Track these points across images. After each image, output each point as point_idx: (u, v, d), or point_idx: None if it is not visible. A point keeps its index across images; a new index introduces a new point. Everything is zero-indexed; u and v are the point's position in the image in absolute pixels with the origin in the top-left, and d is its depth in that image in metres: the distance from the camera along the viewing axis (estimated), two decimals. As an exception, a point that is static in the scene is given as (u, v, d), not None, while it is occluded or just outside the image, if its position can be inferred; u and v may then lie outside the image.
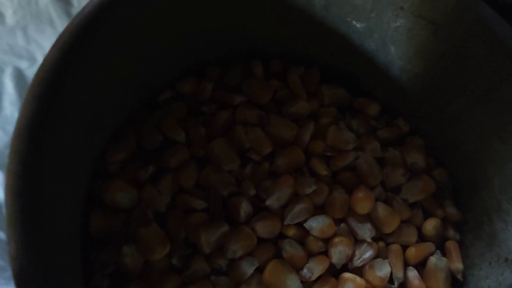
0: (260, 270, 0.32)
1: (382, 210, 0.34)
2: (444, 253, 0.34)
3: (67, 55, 0.24)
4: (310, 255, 0.33)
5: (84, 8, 0.26)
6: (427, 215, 0.36)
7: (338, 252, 0.33)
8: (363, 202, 0.34)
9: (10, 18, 0.46)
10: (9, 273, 0.37)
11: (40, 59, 0.45)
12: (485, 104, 0.31)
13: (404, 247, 0.34)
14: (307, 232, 0.33)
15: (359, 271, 0.33)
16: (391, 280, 0.33)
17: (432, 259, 0.33)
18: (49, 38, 0.46)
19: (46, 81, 0.23)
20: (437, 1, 0.30)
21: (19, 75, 0.44)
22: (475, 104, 0.32)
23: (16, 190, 0.22)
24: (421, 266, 0.34)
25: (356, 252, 0.33)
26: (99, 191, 0.32)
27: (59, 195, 0.27)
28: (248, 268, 0.31)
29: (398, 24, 0.32)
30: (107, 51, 0.29)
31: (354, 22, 0.34)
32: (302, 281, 0.32)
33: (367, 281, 0.32)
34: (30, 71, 0.45)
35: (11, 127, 0.42)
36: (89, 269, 0.31)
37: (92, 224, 0.31)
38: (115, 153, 0.33)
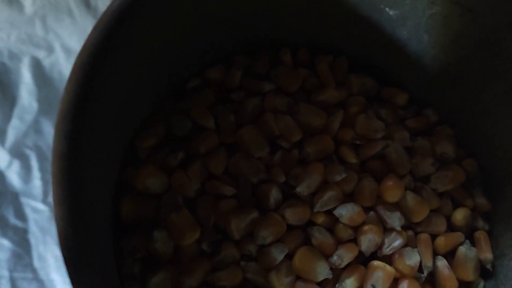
0: (289, 256, 0.32)
1: (411, 199, 0.34)
2: (473, 243, 0.34)
3: (104, 41, 0.24)
4: (339, 242, 0.33)
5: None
6: (456, 205, 0.35)
7: (368, 240, 0.33)
8: (392, 190, 0.34)
9: (29, 8, 0.46)
10: (25, 261, 0.38)
11: (58, 48, 0.45)
12: (520, 94, 0.31)
13: (433, 237, 0.34)
14: (336, 220, 0.33)
15: (388, 260, 0.33)
16: (420, 269, 0.33)
17: (462, 249, 0.33)
18: (67, 28, 0.46)
19: (87, 66, 0.23)
20: (475, -13, 0.29)
21: (36, 64, 0.45)
22: (508, 94, 0.31)
23: (61, 165, 0.22)
24: (450, 255, 0.34)
25: (386, 240, 0.33)
26: (129, 177, 0.32)
27: (96, 180, 0.27)
28: (278, 254, 0.31)
29: (433, 11, 0.32)
30: (139, 39, 0.29)
31: (387, 9, 0.33)
32: (331, 268, 0.32)
33: (396, 269, 0.32)
34: (48, 61, 0.45)
35: (28, 116, 0.43)
36: (120, 255, 0.31)
37: (123, 210, 0.32)
38: (145, 139, 0.34)
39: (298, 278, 0.32)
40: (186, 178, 0.33)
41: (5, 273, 0.38)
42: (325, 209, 0.33)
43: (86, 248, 0.23)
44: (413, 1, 0.32)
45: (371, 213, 0.34)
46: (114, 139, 0.31)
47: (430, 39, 0.34)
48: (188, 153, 0.34)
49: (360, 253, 0.33)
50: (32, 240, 0.39)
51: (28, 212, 0.40)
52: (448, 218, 0.35)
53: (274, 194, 0.33)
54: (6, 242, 0.38)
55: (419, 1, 0.32)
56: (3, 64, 0.44)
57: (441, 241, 0.34)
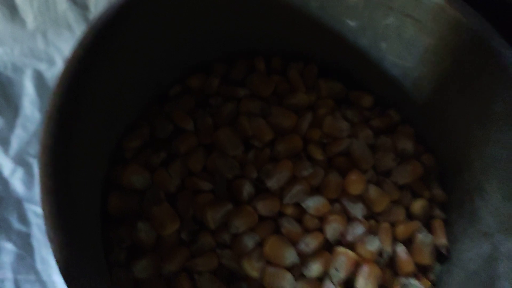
0: (261, 245, 0.35)
1: (373, 191, 0.37)
2: (430, 231, 0.37)
3: (89, 53, 0.28)
4: (307, 231, 0.36)
5: (102, 12, 0.30)
6: (415, 196, 0.39)
7: (332, 228, 0.36)
8: (355, 183, 0.37)
9: (30, 23, 0.48)
10: (29, 263, 0.40)
11: (58, 61, 0.48)
12: (467, 94, 0.34)
13: (394, 225, 0.37)
14: (304, 211, 0.36)
15: (351, 246, 0.36)
16: (381, 254, 0.36)
17: (419, 236, 0.37)
18: (67, 41, 0.48)
19: (73, 74, 0.27)
20: (421, 1, 0.33)
21: (38, 76, 0.47)
22: (458, 94, 0.35)
23: (48, 171, 0.25)
24: (409, 242, 0.37)
25: (349, 228, 0.36)
26: (116, 175, 0.36)
27: (83, 179, 0.30)
28: (249, 242, 0.35)
29: (388, 22, 0.35)
30: (125, 51, 0.33)
31: (348, 20, 0.37)
32: (299, 254, 0.35)
33: (358, 254, 0.35)
34: (49, 73, 0.47)
35: (31, 126, 0.45)
36: (108, 244, 0.34)
37: (110, 204, 0.35)
38: (130, 141, 0.37)
39: (269, 263, 0.35)
40: (167, 175, 0.36)
41: (9, 275, 0.39)
42: (293, 201, 0.36)
43: (73, 235, 0.26)
44: (370, 13, 0.35)
45: (336, 204, 0.37)
46: (102, 140, 0.34)
47: (387, 47, 0.37)
48: (170, 152, 0.38)
49: (327, 241, 0.36)
50: (35, 244, 0.41)
51: (31, 217, 0.41)
52: (408, 208, 0.38)
53: (247, 188, 0.36)
54: (10, 246, 0.40)
55: (375, 13, 0.35)
56: (7, 77, 0.46)
57: (400, 229, 0.37)
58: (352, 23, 0.37)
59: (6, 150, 0.43)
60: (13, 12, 0.48)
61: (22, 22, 0.48)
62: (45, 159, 0.25)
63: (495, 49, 0.30)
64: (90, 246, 0.30)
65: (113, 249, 0.34)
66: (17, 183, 0.43)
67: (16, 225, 0.41)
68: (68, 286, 0.24)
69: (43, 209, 0.24)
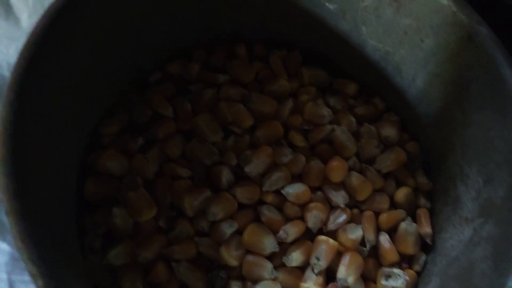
0: (240, 233, 0.35)
1: (355, 179, 0.36)
2: (415, 220, 0.36)
3: (56, 25, 0.28)
4: (288, 220, 0.36)
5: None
6: (399, 185, 0.38)
7: (313, 216, 0.35)
8: (336, 170, 0.36)
9: (25, 21, 0.48)
10: (23, 264, 0.38)
11: None
12: (446, 76, 0.33)
13: (377, 214, 0.37)
14: (284, 199, 0.36)
15: (333, 235, 0.35)
16: (364, 244, 0.35)
17: (403, 225, 0.36)
18: None
19: (35, 47, 0.26)
20: (397, -20, 0.32)
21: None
22: (438, 77, 0.34)
23: (5, 157, 0.25)
24: (393, 232, 0.36)
25: (331, 217, 0.36)
26: (93, 160, 0.35)
27: (51, 164, 0.30)
28: (227, 229, 0.34)
29: (366, 3, 0.35)
30: (97, 31, 0.32)
31: (327, 4, 0.36)
32: (279, 243, 0.34)
33: (340, 243, 0.35)
34: None
35: None
36: (84, 229, 0.34)
37: (86, 189, 0.34)
38: (108, 126, 0.37)
39: (248, 252, 0.34)
40: (145, 161, 0.36)
41: (4, 275, 0.38)
42: (273, 188, 0.36)
43: (37, 221, 0.25)
44: (347, -5, 0.35)
45: (318, 192, 0.36)
46: (75, 125, 0.34)
47: (367, 30, 0.36)
48: (148, 138, 0.37)
49: (308, 230, 0.35)
50: (30, 244, 0.40)
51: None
52: (392, 197, 0.37)
53: (226, 175, 0.36)
54: (5, 246, 0.39)
55: (353, -5, 0.35)
56: (3, 76, 0.45)
57: (384, 218, 0.36)
58: (331, 6, 0.36)
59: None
60: (8, 10, 0.48)
61: (16, 20, 0.48)
62: (4, 145, 0.24)
63: (470, 26, 0.30)
64: (60, 232, 0.30)
65: (87, 235, 0.34)
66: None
67: (11, 225, 0.41)
68: (37, 275, 0.23)
69: (3, 194, 0.24)
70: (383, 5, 0.34)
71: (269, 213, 0.35)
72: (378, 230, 0.36)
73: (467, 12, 0.30)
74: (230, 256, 0.33)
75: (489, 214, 0.29)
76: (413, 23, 0.33)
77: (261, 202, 0.36)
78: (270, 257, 0.34)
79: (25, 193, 0.26)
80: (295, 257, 0.34)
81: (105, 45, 0.34)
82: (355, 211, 0.37)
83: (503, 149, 0.29)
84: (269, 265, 0.34)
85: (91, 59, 0.33)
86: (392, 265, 0.35)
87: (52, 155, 0.30)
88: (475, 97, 0.30)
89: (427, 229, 0.36)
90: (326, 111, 0.38)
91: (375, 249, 0.36)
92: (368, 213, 0.36)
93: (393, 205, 0.37)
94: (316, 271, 0.34)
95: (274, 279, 0.33)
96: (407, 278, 0.34)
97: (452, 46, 0.31)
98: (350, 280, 0.33)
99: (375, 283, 0.35)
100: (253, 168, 0.35)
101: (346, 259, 0.34)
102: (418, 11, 0.32)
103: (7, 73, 0.46)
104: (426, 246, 0.36)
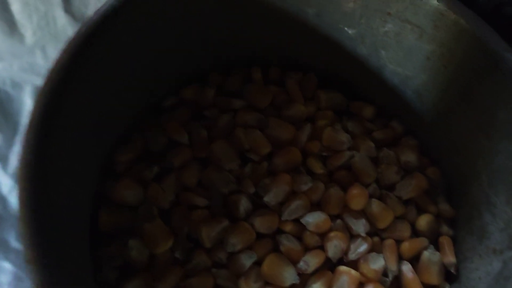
0: (259, 263, 0.34)
1: (376, 206, 0.35)
2: (438, 248, 0.35)
3: (74, 59, 0.27)
4: (307, 249, 0.35)
5: (91, 16, 0.29)
6: (420, 212, 0.37)
7: (334, 246, 0.34)
8: (357, 198, 0.35)
9: (29, 38, 0.48)
10: (26, 284, 0.38)
11: None
12: (470, 102, 0.32)
13: (399, 242, 0.36)
14: (303, 228, 0.35)
15: (354, 265, 0.34)
16: (386, 274, 0.34)
17: (426, 253, 0.35)
18: None
19: (56, 81, 0.26)
20: (419, 6, 0.31)
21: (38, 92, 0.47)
22: (461, 103, 0.33)
23: (26, 185, 0.24)
24: (415, 260, 0.35)
25: (351, 246, 0.35)
26: (108, 189, 0.34)
27: (68, 193, 0.29)
28: (247, 261, 0.33)
29: (386, 29, 0.34)
30: (113, 58, 0.32)
31: (346, 28, 0.36)
32: (299, 274, 0.33)
33: (361, 274, 0.34)
34: None
35: None
36: (98, 262, 0.33)
37: (100, 220, 0.34)
38: (123, 154, 0.36)
39: (267, 283, 0.33)
40: (160, 190, 0.35)
41: None
42: (292, 217, 0.35)
43: (52, 253, 0.25)
44: (367, 20, 0.34)
45: (338, 220, 0.35)
46: (91, 153, 0.33)
47: (387, 55, 0.36)
48: (164, 167, 0.36)
49: (328, 259, 0.34)
50: (33, 264, 0.40)
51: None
52: (413, 225, 0.36)
53: (244, 204, 0.35)
54: (7, 265, 0.39)
55: (373, 21, 0.34)
56: (6, 93, 0.45)
57: (405, 246, 0.35)
58: (350, 31, 0.36)
59: (4, 167, 0.42)
60: (12, 27, 0.48)
61: (21, 37, 0.48)
62: (24, 173, 0.24)
63: (497, 53, 0.29)
64: (74, 265, 0.29)
65: (102, 268, 0.33)
66: (16, 201, 0.41)
67: (14, 244, 0.40)
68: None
69: (20, 227, 0.23)
70: (404, 31, 0.33)
71: (288, 243, 0.34)
72: (400, 259, 0.35)
73: (493, 39, 0.29)
74: (250, 289, 0.33)
75: (521, 248, 0.28)
76: (437, 49, 0.32)
77: (280, 231, 0.35)
78: (290, 288, 0.33)
79: (45, 229, 0.25)
80: (316, 289, 0.33)
81: (121, 75, 0.33)
82: (376, 239, 0.36)
83: (533, 180, 0.28)
84: (289, 297, 0.33)
85: (109, 89, 0.32)
86: (415, 295, 0.34)
87: (68, 189, 0.29)
88: (504, 125, 0.30)
89: (451, 258, 0.35)
90: (345, 137, 0.37)
91: (397, 279, 0.35)
92: (389, 242, 0.35)
93: (415, 233, 0.36)
94: (337, 302, 0.33)
95: (295, 312, 0.32)
96: (432, 309, 0.33)
97: (477, 73, 0.31)
98: (374, 312, 0.32)
99: (399, 314, 0.34)
100: (272, 197, 0.35)
101: (368, 290, 0.33)
102: (442, 38, 0.31)
103: (11, 90, 0.46)
104: (450, 276, 0.35)
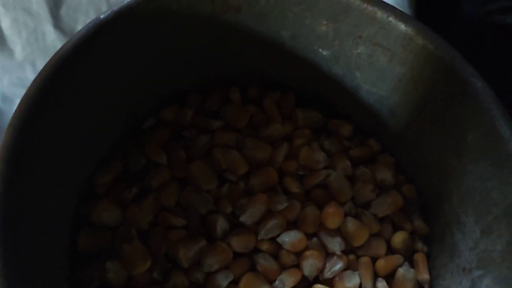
0: (236, 282, 0.34)
1: (351, 224, 0.36)
2: (412, 265, 0.36)
3: (50, 84, 0.28)
4: (283, 268, 0.35)
5: (69, 39, 0.30)
6: (396, 229, 0.37)
7: (309, 264, 0.35)
8: (332, 217, 0.36)
9: (19, 53, 0.48)
10: None
11: None
12: (441, 123, 0.33)
13: (374, 260, 0.36)
14: (280, 247, 0.35)
15: (330, 283, 0.35)
16: (361, 291, 0.35)
17: (400, 271, 0.35)
18: None
19: (32, 102, 0.26)
20: (389, 31, 0.32)
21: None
22: (433, 123, 0.34)
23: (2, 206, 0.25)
24: (390, 277, 0.36)
25: (327, 264, 0.35)
26: (87, 211, 0.35)
27: (45, 214, 0.30)
28: (223, 281, 0.33)
29: (359, 51, 0.35)
30: (92, 81, 0.32)
31: (320, 50, 0.36)
32: (275, 293, 0.34)
33: (336, 292, 0.34)
34: None
35: None
36: (77, 284, 0.33)
37: (79, 242, 0.34)
38: (102, 176, 0.36)
39: (244, 303, 0.34)
40: (139, 211, 0.35)
41: None
42: (269, 236, 0.35)
43: (28, 276, 0.25)
44: (340, 42, 0.35)
45: (314, 239, 0.36)
46: (70, 176, 0.33)
47: (361, 76, 0.36)
48: (143, 187, 0.37)
49: (305, 278, 0.35)
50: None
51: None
52: (389, 242, 0.37)
53: (221, 224, 0.35)
54: None
55: (345, 43, 0.35)
56: None
57: (381, 264, 0.36)
58: (324, 52, 0.36)
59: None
60: (2, 42, 0.49)
61: (10, 52, 0.49)
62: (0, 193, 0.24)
63: (464, 78, 0.29)
64: (52, 286, 0.29)
65: (81, 290, 0.33)
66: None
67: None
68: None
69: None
70: (376, 53, 0.34)
71: (264, 262, 0.35)
72: (376, 276, 0.36)
73: (461, 64, 0.30)
74: (226, 308, 0.33)
75: (488, 268, 0.29)
76: (407, 72, 0.33)
77: (257, 250, 0.36)
78: (266, 307, 0.34)
79: (16, 256, 0.25)
80: (292, 307, 0.34)
81: (101, 97, 0.33)
82: (352, 257, 0.36)
83: (501, 202, 0.28)
84: (265, 316, 0.33)
85: (89, 111, 0.33)
86: (390, 312, 0.35)
87: (45, 210, 0.29)
88: (473, 148, 0.30)
89: (424, 275, 0.35)
90: (321, 156, 0.38)
91: (373, 296, 0.35)
92: (364, 259, 0.36)
93: (390, 250, 0.37)
94: (313, 321, 0.33)
95: (271, 332, 0.33)
96: (406, 326, 0.34)
97: (447, 96, 0.31)
98: (349, 331, 0.32)
99: (374, 332, 0.34)
100: (249, 217, 0.35)
101: (344, 309, 0.34)
102: (411, 61, 0.32)
103: (1, 104, 0.46)
104: (424, 292, 0.35)
